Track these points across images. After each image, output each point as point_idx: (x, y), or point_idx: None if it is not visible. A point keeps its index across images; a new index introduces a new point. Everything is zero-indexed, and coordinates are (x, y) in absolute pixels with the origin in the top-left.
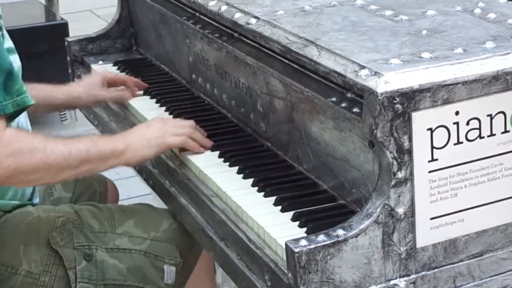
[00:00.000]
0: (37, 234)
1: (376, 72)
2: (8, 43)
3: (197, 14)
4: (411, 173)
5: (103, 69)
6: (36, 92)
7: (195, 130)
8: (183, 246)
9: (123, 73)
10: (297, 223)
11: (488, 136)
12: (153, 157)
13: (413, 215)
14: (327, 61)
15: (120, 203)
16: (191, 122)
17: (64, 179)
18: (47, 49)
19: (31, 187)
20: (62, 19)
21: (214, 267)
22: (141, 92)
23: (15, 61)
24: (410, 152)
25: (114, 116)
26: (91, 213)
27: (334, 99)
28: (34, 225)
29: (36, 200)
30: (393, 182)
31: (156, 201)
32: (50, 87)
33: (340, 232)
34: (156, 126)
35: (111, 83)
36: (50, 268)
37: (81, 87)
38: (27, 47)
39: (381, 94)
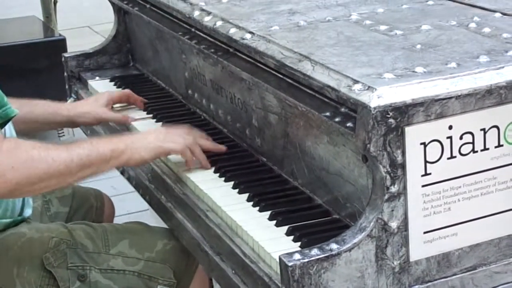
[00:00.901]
0: (30, 255)
1: (369, 87)
2: None
3: (193, 29)
4: (405, 187)
5: (107, 89)
6: (41, 108)
7: (196, 144)
8: (178, 266)
9: (125, 89)
10: (292, 237)
11: (482, 150)
12: (151, 159)
13: (406, 229)
14: (321, 76)
15: (118, 218)
16: (197, 133)
17: (68, 184)
18: (45, 65)
19: (20, 201)
20: (60, 35)
21: (211, 284)
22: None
23: None
24: (403, 166)
25: (111, 132)
26: (85, 233)
27: (328, 113)
28: (27, 247)
29: (28, 212)
30: (386, 196)
31: (154, 217)
32: (54, 104)
33: (334, 246)
34: (159, 131)
35: (116, 102)
36: None
37: (86, 106)
38: (25, 63)
39: (374, 108)
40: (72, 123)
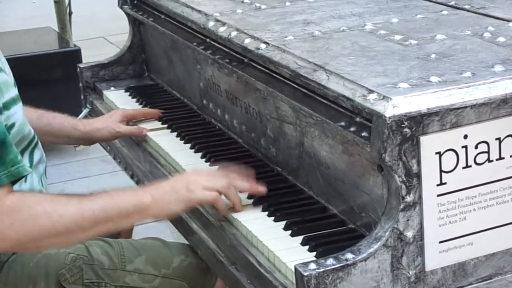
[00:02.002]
0: (46, 271)
1: (384, 96)
2: (13, 91)
3: (208, 39)
4: (420, 197)
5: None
6: (59, 122)
7: (230, 188)
8: (195, 282)
9: (142, 107)
10: (307, 247)
11: (497, 159)
12: (181, 212)
13: (422, 238)
14: (336, 86)
15: (135, 228)
16: (233, 175)
17: (82, 240)
18: (60, 76)
19: None
20: (75, 45)
21: None
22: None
23: (18, 112)
24: (418, 176)
25: (126, 142)
26: (102, 249)
27: (343, 123)
28: (43, 263)
29: None
30: (401, 206)
31: (169, 227)
32: (71, 119)
33: (349, 255)
34: (188, 179)
35: (130, 119)
36: None
37: (100, 122)
38: (40, 74)
39: (390, 118)
40: (88, 139)
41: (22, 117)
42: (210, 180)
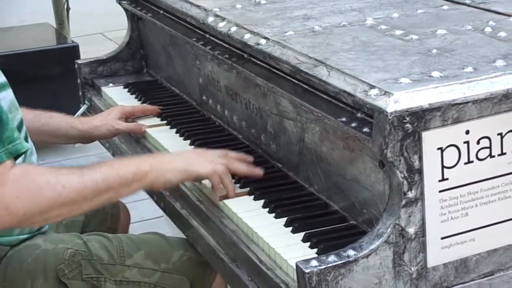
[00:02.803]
0: (45, 267)
1: (386, 92)
2: (0, 78)
3: (207, 35)
4: (422, 193)
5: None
6: (56, 121)
7: (226, 171)
8: (194, 277)
9: (140, 103)
10: (308, 244)
11: (499, 155)
12: (177, 182)
13: (423, 234)
14: (337, 81)
15: (133, 225)
16: (231, 157)
17: (84, 211)
18: (58, 72)
19: None
20: (73, 42)
21: None
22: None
23: (7, 97)
24: (420, 171)
25: (125, 139)
26: (100, 244)
27: (344, 119)
28: (41, 259)
29: (46, 227)
30: (403, 202)
31: (169, 224)
32: (69, 118)
33: (351, 252)
34: (189, 154)
35: (128, 116)
36: None
37: (98, 119)
38: (38, 70)
39: (391, 113)
40: (87, 138)
41: (9, 104)
42: (210, 158)
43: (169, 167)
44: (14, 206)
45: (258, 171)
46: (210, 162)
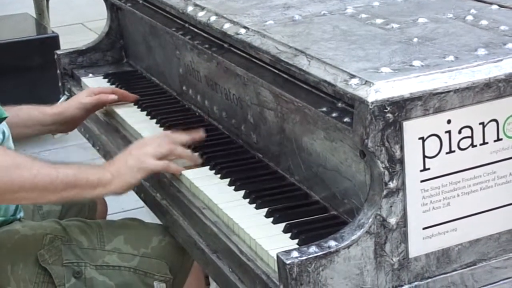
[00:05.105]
0: (25, 252)
1: (366, 81)
2: None
3: (187, 25)
4: (403, 183)
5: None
6: (26, 111)
7: (176, 146)
8: (174, 262)
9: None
10: (289, 234)
11: (481, 144)
12: (139, 182)
13: (405, 225)
14: (317, 71)
15: (113, 216)
16: (170, 137)
17: (49, 201)
18: (38, 63)
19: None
20: (53, 32)
21: (208, 281)
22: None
23: None
24: (401, 161)
25: (104, 129)
26: (80, 229)
27: (324, 109)
28: (21, 244)
29: (21, 214)
30: (384, 192)
31: (149, 214)
32: (39, 106)
33: (332, 243)
34: (136, 151)
35: (97, 94)
36: (39, 286)
37: (67, 102)
38: (18, 61)
39: (372, 103)
40: (60, 122)
41: None
42: (156, 148)
43: (127, 172)
44: None
45: (199, 132)
46: (156, 150)
